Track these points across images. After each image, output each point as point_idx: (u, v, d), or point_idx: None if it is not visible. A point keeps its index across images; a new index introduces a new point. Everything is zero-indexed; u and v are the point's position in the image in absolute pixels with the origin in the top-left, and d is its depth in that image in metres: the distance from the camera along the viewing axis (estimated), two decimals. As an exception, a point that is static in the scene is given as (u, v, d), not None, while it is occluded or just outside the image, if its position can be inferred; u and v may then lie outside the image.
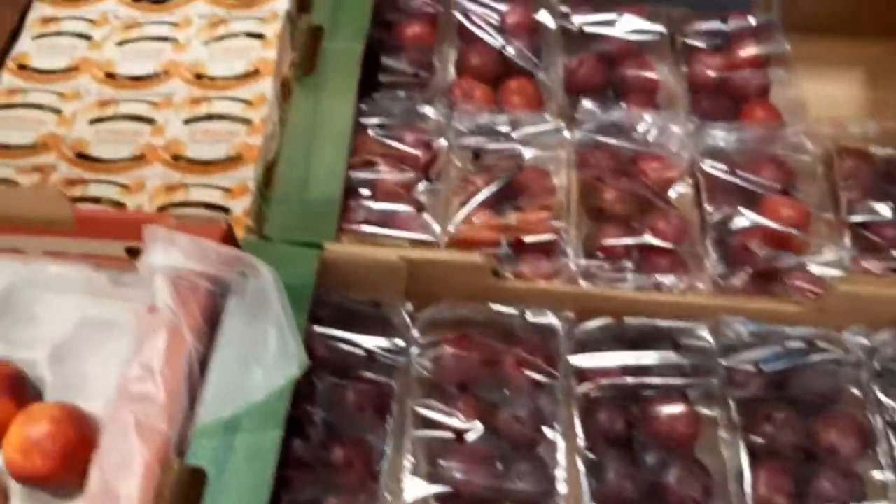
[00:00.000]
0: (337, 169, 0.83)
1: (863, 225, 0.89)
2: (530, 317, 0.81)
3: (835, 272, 0.85)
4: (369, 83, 0.98)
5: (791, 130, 0.96)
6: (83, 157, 0.94)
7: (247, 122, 0.93)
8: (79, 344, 0.77)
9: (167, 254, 0.68)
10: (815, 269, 0.85)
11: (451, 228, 0.88)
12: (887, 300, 0.79)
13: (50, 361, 0.76)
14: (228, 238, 0.75)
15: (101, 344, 0.77)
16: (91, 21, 1.06)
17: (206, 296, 0.71)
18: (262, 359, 0.66)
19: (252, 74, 0.96)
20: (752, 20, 1.06)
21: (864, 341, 0.79)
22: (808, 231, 0.90)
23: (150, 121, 0.96)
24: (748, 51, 1.04)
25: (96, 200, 0.90)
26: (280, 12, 0.99)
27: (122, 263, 0.80)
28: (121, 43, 1.03)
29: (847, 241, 0.88)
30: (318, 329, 0.78)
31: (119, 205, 0.90)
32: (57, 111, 0.98)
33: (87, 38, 1.04)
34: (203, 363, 0.69)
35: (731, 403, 0.78)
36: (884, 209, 0.90)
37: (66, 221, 0.76)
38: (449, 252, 0.81)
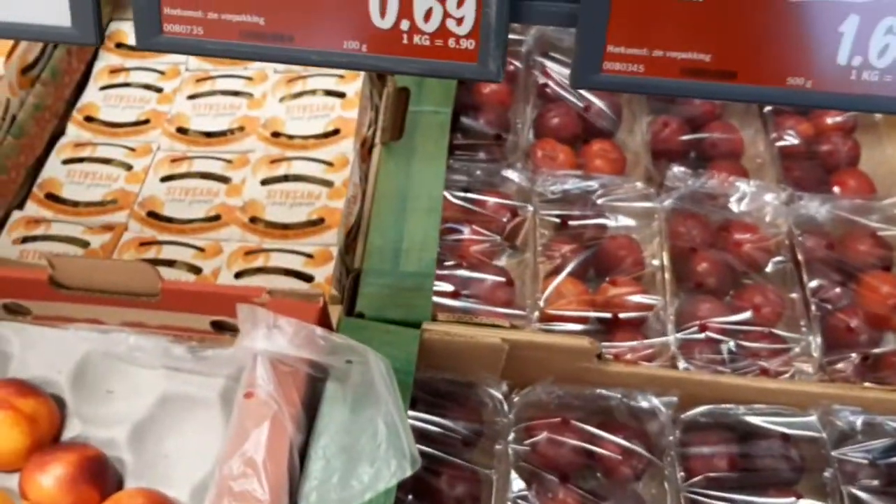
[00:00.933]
0: (430, 240, 0.80)
1: (970, 306, 0.86)
2: (632, 401, 0.77)
3: (946, 358, 0.81)
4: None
5: (887, 202, 0.93)
6: (155, 217, 0.91)
7: (328, 184, 0.90)
8: (159, 422, 0.73)
9: (270, 339, 0.65)
10: (924, 353, 0.82)
11: (541, 303, 0.84)
12: None
13: (130, 442, 0.72)
14: (324, 316, 0.72)
15: (183, 422, 0.73)
16: (160, 72, 1.03)
17: (305, 380, 0.67)
18: (370, 455, 0.62)
19: (332, 134, 0.94)
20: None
21: None
22: (910, 310, 0.87)
23: (225, 179, 0.93)
24: (836, 116, 1.02)
25: (170, 263, 0.87)
26: (361, 71, 0.97)
27: (202, 335, 0.77)
28: (192, 96, 1.00)
29: (955, 323, 0.85)
30: (412, 412, 0.75)
31: (195, 269, 0.86)
32: (127, 167, 0.95)
33: (156, 90, 1.02)
34: (301, 453, 0.66)
35: (846, 498, 0.74)
36: None
37: (153, 294, 0.73)
38: (554, 336, 0.77)
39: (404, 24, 0.46)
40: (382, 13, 0.46)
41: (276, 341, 0.65)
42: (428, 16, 0.46)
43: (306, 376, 0.68)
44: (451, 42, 0.46)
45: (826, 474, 0.75)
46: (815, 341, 0.82)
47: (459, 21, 0.46)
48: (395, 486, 0.64)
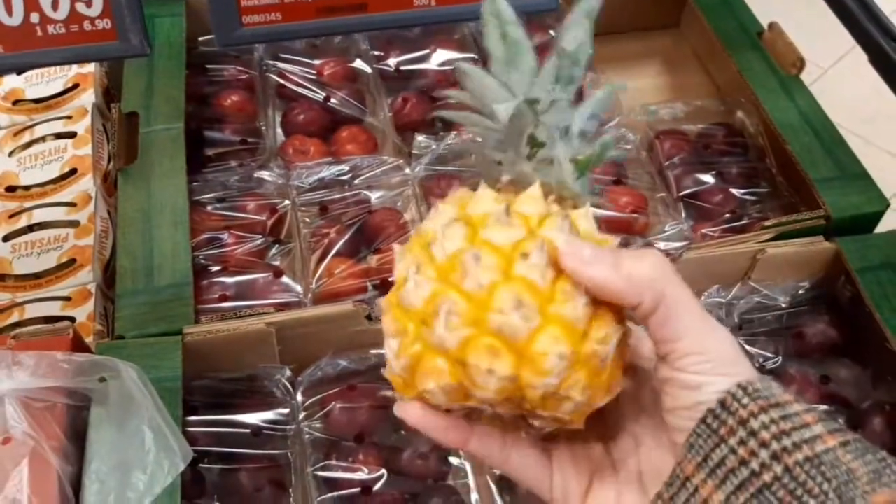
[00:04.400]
0: (181, 250, 0.80)
1: (692, 196, 0.96)
2: (411, 352, 0.80)
3: (678, 244, 0.90)
4: (198, 160, 0.96)
5: (610, 124, 1.02)
6: None
7: (74, 224, 0.88)
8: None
9: (12, 377, 0.63)
10: (661, 245, 0.90)
11: (313, 286, 0.86)
12: (731, 259, 0.84)
13: None
14: (78, 346, 0.70)
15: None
16: None
17: (64, 412, 0.65)
18: (141, 463, 0.62)
19: (69, 175, 0.91)
20: (551, 32, 1.12)
21: (720, 299, 0.84)
22: (647, 212, 0.95)
23: (-36, 246, 0.88)
24: (555, 60, 1.10)
25: (-82, 343, 0.82)
26: (87, 106, 0.95)
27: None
28: (-86, 170, 0.95)
29: (682, 213, 0.94)
30: (196, 418, 0.74)
31: (-54, 341, 0.81)
32: None
33: None
34: (76, 484, 0.63)
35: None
36: (707, 178, 0.97)
37: None
38: (316, 308, 0.79)
39: (34, 17, 0.47)
40: (9, 11, 0.47)
41: (18, 378, 0.63)
42: (56, 5, 0.47)
43: (65, 408, 0.66)
44: (87, 25, 0.47)
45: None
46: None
47: (88, 3, 0.47)
48: (179, 487, 0.63)
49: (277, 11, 0.49)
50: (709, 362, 0.41)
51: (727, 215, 0.94)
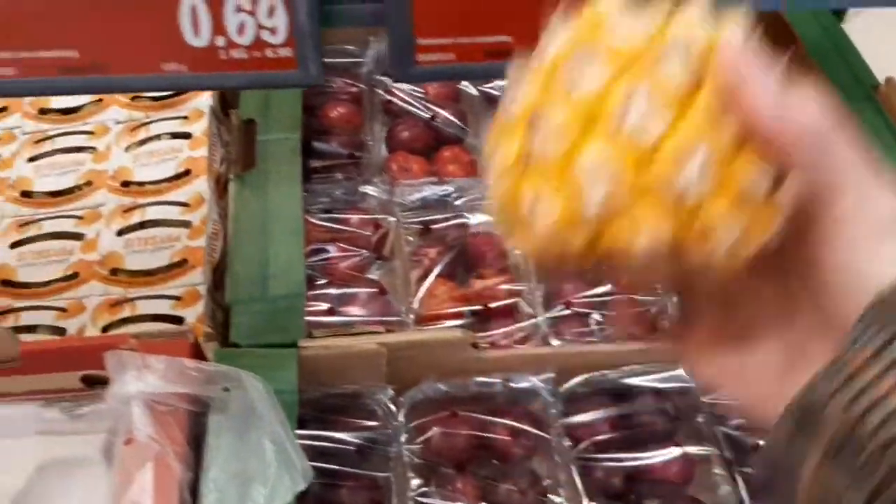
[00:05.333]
0: (296, 261, 0.81)
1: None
2: (513, 383, 0.80)
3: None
4: (304, 170, 0.97)
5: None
6: (9, 285, 0.87)
7: (186, 224, 0.89)
8: (42, 490, 0.70)
9: (142, 380, 0.64)
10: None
11: (415, 305, 0.87)
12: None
13: (11, 516, 0.69)
14: (197, 351, 0.72)
15: (67, 486, 0.71)
16: (-5, 138, 1.00)
17: (186, 417, 0.67)
18: (262, 476, 0.62)
19: (183, 175, 0.93)
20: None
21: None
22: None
23: (78, 236, 0.90)
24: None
25: (32, 329, 0.84)
26: (204, 109, 0.97)
27: (75, 393, 0.75)
28: (32, 158, 0.97)
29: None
30: (302, 431, 0.75)
31: (59, 331, 0.83)
32: (-29, 240, 0.91)
33: (-7, 157, 0.98)
34: (193, 491, 0.65)
35: (720, 439, 0.79)
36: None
37: (13, 359, 0.70)
38: (428, 332, 0.79)
39: (220, 41, 0.48)
40: (196, 31, 0.48)
41: (147, 381, 0.64)
42: (241, 29, 0.48)
43: (187, 413, 0.67)
44: (269, 52, 0.48)
45: (699, 419, 0.80)
46: (671, 300, 0.88)
47: (273, 31, 0.48)
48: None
49: (451, 51, 0.50)
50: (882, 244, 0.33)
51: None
